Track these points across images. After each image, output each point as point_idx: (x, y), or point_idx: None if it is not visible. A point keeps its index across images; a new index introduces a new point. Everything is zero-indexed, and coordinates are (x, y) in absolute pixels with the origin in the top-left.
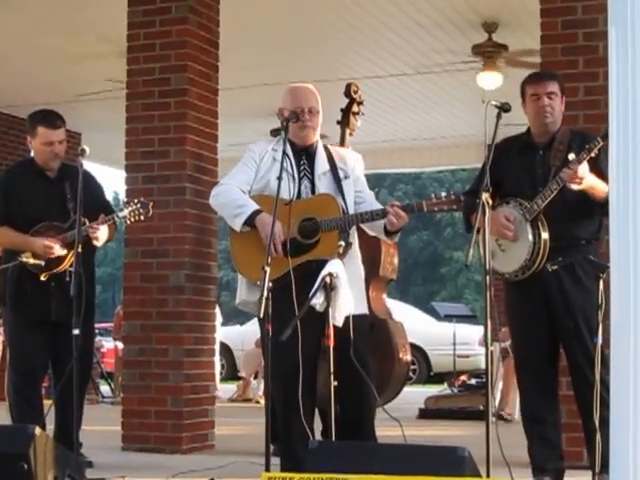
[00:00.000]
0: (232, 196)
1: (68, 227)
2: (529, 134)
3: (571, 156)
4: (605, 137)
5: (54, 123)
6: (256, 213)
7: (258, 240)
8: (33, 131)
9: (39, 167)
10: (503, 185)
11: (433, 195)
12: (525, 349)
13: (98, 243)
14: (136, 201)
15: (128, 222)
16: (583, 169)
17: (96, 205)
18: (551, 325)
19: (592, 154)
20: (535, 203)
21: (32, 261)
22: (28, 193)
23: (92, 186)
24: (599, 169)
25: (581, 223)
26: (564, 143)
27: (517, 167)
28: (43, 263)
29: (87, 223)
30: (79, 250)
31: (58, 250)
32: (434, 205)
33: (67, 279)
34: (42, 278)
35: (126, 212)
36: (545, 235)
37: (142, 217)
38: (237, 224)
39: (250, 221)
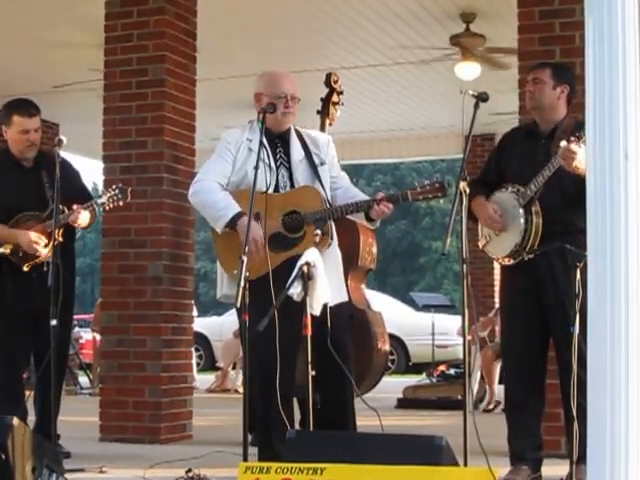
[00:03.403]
0: (212, 196)
1: (47, 216)
2: (535, 123)
3: (562, 143)
4: None
5: (29, 111)
6: (237, 217)
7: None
8: (8, 120)
9: (15, 157)
10: (506, 172)
11: (417, 183)
12: (513, 335)
13: (82, 223)
14: (114, 187)
15: (107, 208)
16: (577, 149)
17: (74, 192)
18: (542, 313)
19: (582, 141)
20: (528, 188)
21: (1, 250)
22: (4, 183)
23: (69, 173)
24: None
25: (577, 211)
26: (567, 132)
27: (519, 154)
28: (8, 251)
29: (66, 211)
30: (60, 239)
31: (42, 248)
32: (419, 194)
33: (44, 269)
34: (25, 269)
35: (105, 198)
36: (538, 221)
37: (121, 203)
38: (218, 227)
39: (232, 224)
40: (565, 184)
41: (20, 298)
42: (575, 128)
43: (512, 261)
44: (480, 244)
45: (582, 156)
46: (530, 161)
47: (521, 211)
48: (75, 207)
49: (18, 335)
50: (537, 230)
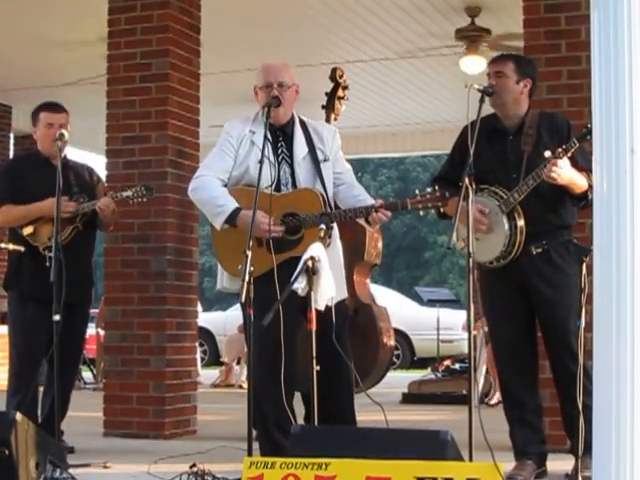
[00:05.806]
0: (211, 193)
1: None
2: (496, 118)
3: (547, 153)
4: (582, 138)
5: (54, 107)
6: (236, 212)
7: (240, 236)
8: (36, 119)
9: (43, 156)
10: (474, 171)
11: (417, 192)
12: (502, 333)
13: (107, 210)
14: (140, 184)
15: (131, 203)
16: (562, 164)
17: (98, 191)
18: (528, 309)
19: (569, 154)
20: (512, 196)
21: (12, 246)
22: (33, 179)
23: (97, 176)
24: (576, 164)
25: (555, 210)
26: (533, 127)
27: (488, 153)
28: (23, 249)
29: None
30: (79, 227)
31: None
32: (418, 203)
33: (47, 264)
34: (41, 250)
35: (130, 192)
36: (521, 223)
37: (145, 199)
38: (217, 223)
39: (230, 220)
40: (541, 186)
41: (40, 287)
42: (540, 122)
43: (495, 264)
44: (458, 246)
45: (566, 170)
46: (501, 161)
47: (504, 218)
48: (105, 193)
49: (37, 327)
50: (522, 233)
